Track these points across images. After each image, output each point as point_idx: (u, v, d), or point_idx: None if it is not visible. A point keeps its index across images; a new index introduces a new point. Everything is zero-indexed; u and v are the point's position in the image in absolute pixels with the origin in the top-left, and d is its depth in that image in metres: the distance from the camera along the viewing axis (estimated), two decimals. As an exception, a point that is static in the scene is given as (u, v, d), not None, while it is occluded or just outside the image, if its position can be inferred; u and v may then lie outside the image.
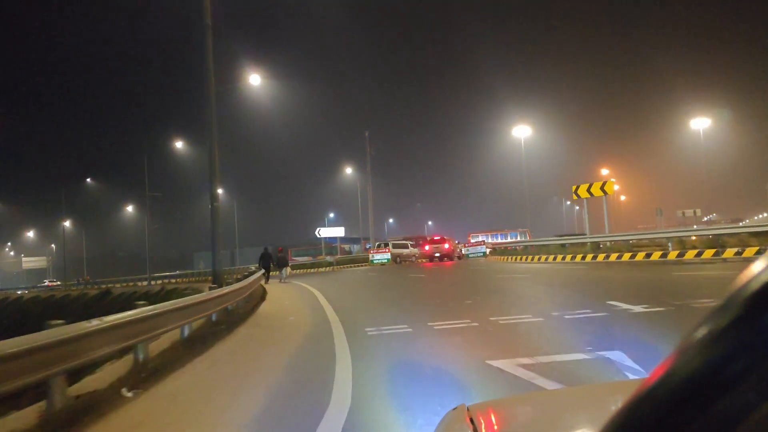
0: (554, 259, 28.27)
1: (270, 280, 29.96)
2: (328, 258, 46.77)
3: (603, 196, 28.38)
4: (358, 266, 46.87)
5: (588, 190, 29.03)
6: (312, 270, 46.89)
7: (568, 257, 27.42)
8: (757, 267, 0.46)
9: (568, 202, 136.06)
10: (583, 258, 26.48)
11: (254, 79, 36.91)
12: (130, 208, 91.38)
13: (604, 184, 28.26)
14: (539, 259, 29.50)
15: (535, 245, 33.00)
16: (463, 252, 44.93)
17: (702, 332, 0.47)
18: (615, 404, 0.46)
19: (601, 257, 25.61)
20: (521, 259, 31.63)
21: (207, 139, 18.08)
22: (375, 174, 76.98)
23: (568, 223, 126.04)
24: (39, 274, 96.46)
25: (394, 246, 47.86)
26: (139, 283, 55.28)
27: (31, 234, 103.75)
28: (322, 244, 50.75)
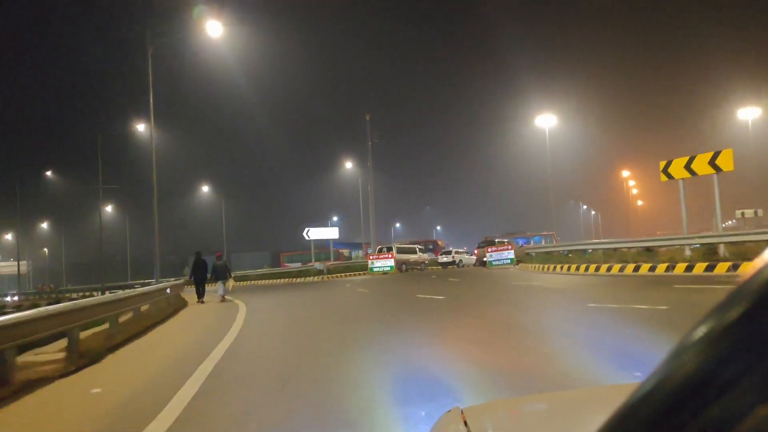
0: (636, 269, 18.00)
1: (216, 295, 20.15)
2: (317, 265, 36.66)
3: (713, 174, 18.06)
4: (353, 276, 36.70)
5: (687, 167, 18.72)
6: (297, 280, 36.80)
7: (661, 267, 17.15)
8: (752, 270, 0.45)
9: (584, 206, 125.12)
10: (690, 269, 16.21)
11: (213, 28, 27.21)
12: (134, 208, 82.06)
13: (715, 156, 17.97)
14: (608, 269, 19.23)
15: (597, 248, 22.64)
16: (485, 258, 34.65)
17: (698, 334, 0.44)
18: (611, 407, 0.40)
19: (723, 267, 15.34)
20: (570, 268, 21.37)
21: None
22: (379, 176, 66.87)
23: (585, 229, 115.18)
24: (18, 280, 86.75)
25: (399, 251, 37.70)
26: (96, 293, 45.28)
27: (9, 237, 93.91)
28: (312, 249, 40.63)
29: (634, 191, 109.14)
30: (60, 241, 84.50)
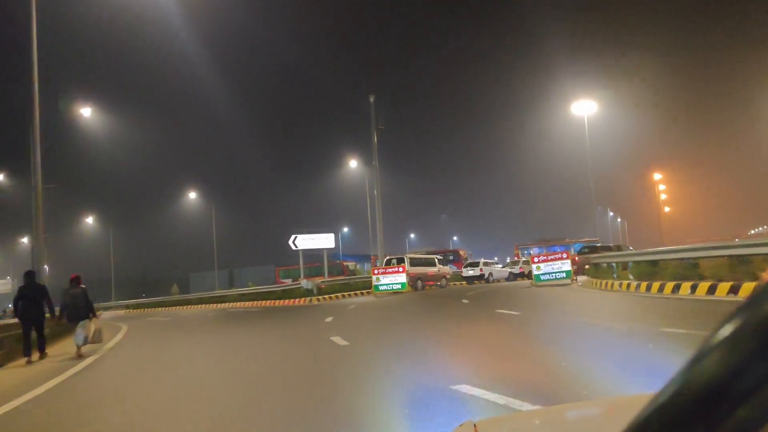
0: None
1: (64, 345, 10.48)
2: (304, 284, 26.84)
3: None
4: (353, 296, 26.88)
5: None
6: (279, 302, 27.01)
7: None
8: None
9: (611, 213, 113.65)
10: None
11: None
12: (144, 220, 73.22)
13: None
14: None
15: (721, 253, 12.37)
16: (532, 271, 24.59)
17: (712, 343, 0.41)
18: (626, 419, 0.40)
19: None
20: (714, 290, 11.33)
21: None
22: (390, 184, 56.90)
23: (613, 238, 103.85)
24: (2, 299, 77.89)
25: (413, 263, 27.85)
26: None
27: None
28: (300, 262, 30.81)
29: (663, 196, 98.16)
30: (59, 255, 75.74)
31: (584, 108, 40.36)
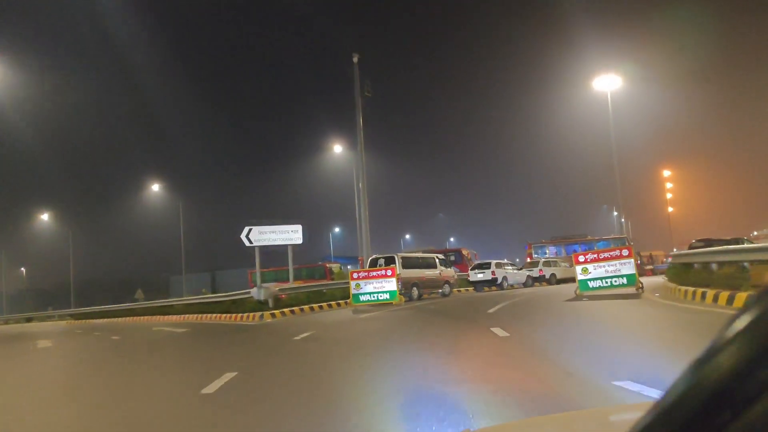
0: None
1: None
2: (255, 293, 19.01)
3: None
4: (325, 309, 19.10)
5: None
6: (222, 317, 19.27)
7: None
8: None
9: (615, 213, 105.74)
10: None
11: None
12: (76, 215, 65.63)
13: None
14: None
15: None
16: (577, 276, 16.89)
17: (715, 348, 0.38)
18: (624, 429, 0.38)
19: None
20: None
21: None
22: (384, 178, 49.39)
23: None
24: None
25: (406, 264, 20.16)
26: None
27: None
28: (257, 263, 22.95)
29: (669, 195, 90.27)
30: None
31: (607, 83, 32.93)
